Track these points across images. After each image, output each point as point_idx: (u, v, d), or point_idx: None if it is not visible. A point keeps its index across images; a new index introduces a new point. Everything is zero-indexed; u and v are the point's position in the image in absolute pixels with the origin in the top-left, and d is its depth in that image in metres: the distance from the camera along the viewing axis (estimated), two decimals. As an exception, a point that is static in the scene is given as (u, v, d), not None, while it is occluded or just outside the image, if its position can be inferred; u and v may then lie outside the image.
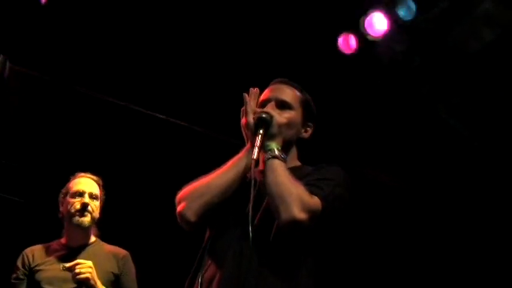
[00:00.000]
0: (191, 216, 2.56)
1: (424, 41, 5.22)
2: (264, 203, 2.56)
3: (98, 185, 4.29)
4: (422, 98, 5.42)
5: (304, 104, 2.86)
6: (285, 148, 2.69)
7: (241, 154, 2.66)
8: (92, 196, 4.23)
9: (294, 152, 2.82)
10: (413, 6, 5.14)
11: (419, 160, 6.08)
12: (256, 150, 2.53)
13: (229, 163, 2.65)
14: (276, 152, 2.56)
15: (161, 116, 5.60)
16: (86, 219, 4.19)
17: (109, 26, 5.05)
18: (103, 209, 4.32)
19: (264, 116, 2.62)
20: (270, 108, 2.72)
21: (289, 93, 2.83)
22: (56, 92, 5.25)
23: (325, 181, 2.61)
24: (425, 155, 5.97)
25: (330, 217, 2.57)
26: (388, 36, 5.26)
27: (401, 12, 5.18)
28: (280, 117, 2.68)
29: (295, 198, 2.43)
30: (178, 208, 2.61)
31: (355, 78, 5.62)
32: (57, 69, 5.10)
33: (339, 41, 5.44)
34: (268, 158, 2.55)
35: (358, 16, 5.30)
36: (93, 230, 4.32)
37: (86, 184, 4.24)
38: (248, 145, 2.65)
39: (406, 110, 5.63)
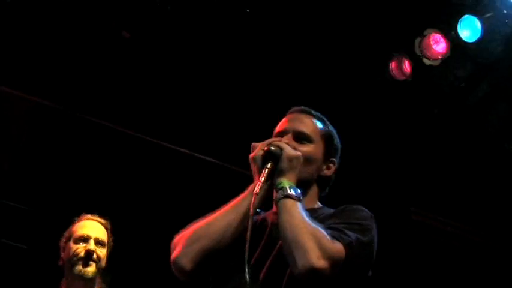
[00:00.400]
0: (186, 263, 2.39)
1: (491, 65, 4.87)
2: (277, 248, 2.40)
3: (106, 229, 3.97)
4: (488, 132, 5.12)
5: (326, 137, 2.66)
6: (302, 187, 2.47)
7: (245, 193, 2.46)
8: (99, 242, 3.90)
9: (313, 192, 2.61)
10: (478, 25, 4.78)
11: (481, 203, 5.75)
12: (259, 184, 2.35)
13: (231, 203, 2.46)
14: (289, 191, 2.36)
15: (183, 149, 5.31)
16: (90, 270, 3.83)
17: (117, 54, 4.95)
18: (110, 257, 3.95)
19: (272, 148, 2.42)
20: (286, 140, 2.53)
21: (308, 124, 2.64)
22: (60, 121, 5.06)
23: (350, 225, 2.40)
24: (488, 197, 5.73)
25: (355, 267, 2.36)
26: (448, 59, 4.93)
27: (464, 33, 4.84)
28: (294, 150, 2.48)
29: (314, 243, 2.24)
30: (173, 255, 2.44)
31: (409, 108, 5.34)
32: (65, 98, 4.98)
33: (390, 66, 5.09)
34: (280, 198, 2.36)
35: (412, 37, 5.00)
36: (98, 282, 3.92)
37: (92, 228, 3.93)
38: (253, 184, 2.44)
39: (467, 144, 5.39)
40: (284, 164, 2.42)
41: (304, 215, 2.33)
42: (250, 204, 2.35)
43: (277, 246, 2.39)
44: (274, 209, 2.45)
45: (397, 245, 5.55)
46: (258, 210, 2.53)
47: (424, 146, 5.60)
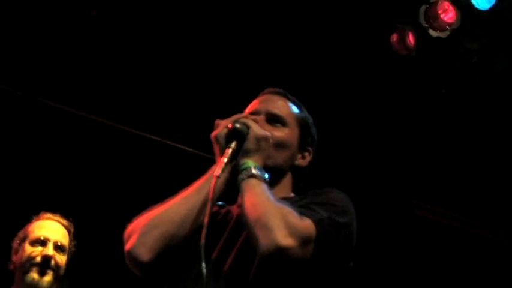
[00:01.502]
0: (144, 253, 2.31)
1: (507, 37, 4.73)
2: (242, 238, 2.33)
3: (68, 231, 3.75)
4: (503, 116, 5.00)
5: (302, 123, 2.59)
6: (273, 175, 2.41)
7: (206, 176, 2.37)
8: (58, 247, 3.67)
9: (286, 181, 2.53)
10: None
11: (491, 196, 5.64)
12: (221, 165, 2.29)
13: (191, 187, 2.37)
14: (253, 170, 2.30)
15: (151, 135, 5.15)
16: (46, 279, 3.57)
17: (81, 35, 4.80)
18: (70, 263, 3.71)
19: (238, 126, 2.35)
20: (257, 119, 2.45)
21: (283, 107, 2.57)
22: (19, 107, 4.89)
23: (322, 205, 2.31)
24: (498, 190, 5.61)
25: (328, 249, 2.26)
26: (457, 30, 4.74)
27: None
28: (264, 130, 2.40)
29: (279, 220, 2.18)
30: (127, 245, 2.33)
31: (412, 87, 5.10)
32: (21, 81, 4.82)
33: (391, 39, 4.89)
34: (243, 179, 2.30)
35: (416, 5, 4.81)
36: (54, 293, 3.68)
37: (52, 230, 3.72)
38: (215, 165, 2.36)
39: (479, 130, 5.24)
40: (250, 144, 2.34)
41: (268, 193, 2.26)
42: (210, 187, 2.28)
43: (243, 236, 2.33)
44: (239, 200, 2.37)
45: (398, 242, 5.51)
46: (220, 203, 2.49)
47: (429, 131, 5.39)
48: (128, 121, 5.11)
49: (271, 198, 2.25)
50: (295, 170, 2.55)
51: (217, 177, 2.26)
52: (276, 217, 2.19)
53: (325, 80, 5.05)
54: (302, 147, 2.57)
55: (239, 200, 2.36)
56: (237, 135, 2.35)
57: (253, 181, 2.30)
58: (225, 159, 2.30)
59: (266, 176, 2.32)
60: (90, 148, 5.09)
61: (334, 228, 2.28)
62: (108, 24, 4.83)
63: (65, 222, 3.77)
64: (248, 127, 2.36)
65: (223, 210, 2.49)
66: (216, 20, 4.88)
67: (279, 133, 2.49)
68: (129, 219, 2.36)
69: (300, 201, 2.36)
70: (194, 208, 2.32)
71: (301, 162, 2.55)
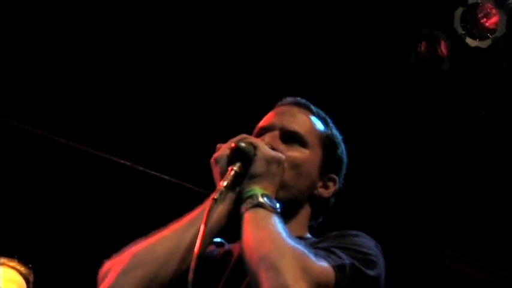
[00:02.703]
0: None
1: None
2: (244, 284, 2.12)
3: (26, 281, 3.54)
4: None
5: (327, 143, 2.37)
6: (286, 207, 2.18)
7: (202, 206, 2.13)
8: None
9: (302, 216, 2.32)
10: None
11: None
12: (220, 189, 2.07)
13: (184, 219, 2.15)
14: (261, 199, 2.08)
15: (124, 161, 4.89)
16: None
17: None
18: None
19: (242, 145, 2.15)
20: (270, 140, 2.26)
21: (304, 123, 2.36)
22: None
23: (346, 249, 2.10)
24: None
25: None
26: (501, 39, 4.33)
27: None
28: (277, 150, 2.20)
29: (291, 261, 1.96)
30: (102, 285, 2.13)
31: (444, 108, 4.73)
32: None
33: (420, 48, 4.53)
34: (247, 209, 2.07)
35: (451, 9, 4.40)
36: None
37: (5, 280, 3.53)
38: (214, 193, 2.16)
39: None
40: (258, 167, 2.16)
41: (280, 227, 2.07)
42: (212, 218, 2.10)
43: (246, 282, 2.15)
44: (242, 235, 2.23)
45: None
46: (219, 240, 2.28)
47: (465, 164, 4.99)
48: (93, 145, 4.88)
49: (284, 233, 2.07)
50: (314, 201, 2.37)
51: (215, 200, 2.07)
52: (286, 257, 2.01)
53: (338, 104, 4.53)
54: (325, 173, 2.37)
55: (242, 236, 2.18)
56: (242, 156, 2.17)
57: (260, 212, 2.11)
58: (225, 182, 2.10)
59: (277, 205, 2.14)
60: (53, 176, 4.85)
61: (358, 279, 2.13)
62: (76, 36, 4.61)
63: (22, 269, 3.57)
64: (255, 147, 2.18)
65: (222, 250, 2.32)
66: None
67: (296, 154, 2.31)
68: (104, 258, 2.21)
69: (318, 244, 2.20)
70: (184, 244, 2.14)
71: (322, 192, 2.35)
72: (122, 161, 4.84)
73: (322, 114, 2.46)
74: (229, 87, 4.76)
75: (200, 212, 2.14)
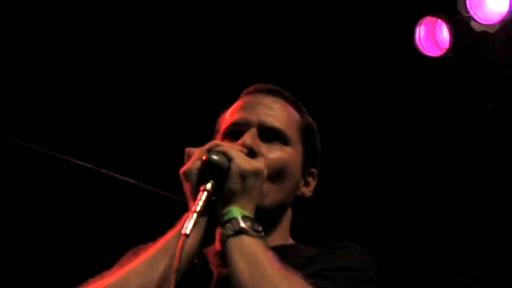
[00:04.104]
0: None
1: None
2: None
3: None
4: None
5: (306, 135, 2.28)
6: (270, 217, 2.13)
7: (174, 230, 2.00)
8: None
9: (285, 222, 2.24)
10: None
11: None
12: (191, 218, 1.91)
13: (155, 247, 2.02)
14: (242, 223, 1.95)
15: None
16: None
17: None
18: None
19: (214, 158, 1.98)
20: (251, 141, 2.12)
21: (283, 115, 2.23)
22: None
23: (344, 271, 2.02)
24: None
25: None
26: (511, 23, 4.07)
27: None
28: (251, 159, 2.06)
29: None
30: None
31: (446, 101, 4.51)
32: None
33: (418, 34, 4.24)
34: (229, 236, 1.95)
35: None
36: None
37: None
38: (187, 214, 2.00)
39: None
40: (233, 183, 1.99)
41: (271, 258, 1.94)
42: (176, 250, 1.93)
43: None
44: (218, 246, 2.07)
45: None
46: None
47: (469, 166, 4.80)
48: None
49: (277, 266, 1.98)
50: (297, 203, 2.29)
51: (187, 236, 1.94)
52: None
53: (334, 85, 4.50)
54: (306, 170, 2.29)
55: (217, 246, 2.08)
56: (215, 170, 2.03)
57: (244, 240, 2.00)
58: (198, 208, 1.97)
59: (260, 228, 2.03)
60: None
61: None
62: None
63: None
64: (229, 158, 2.03)
65: (198, 262, 2.17)
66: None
67: (279, 155, 2.19)
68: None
69: (310, 265, 2.11)
70: (156, 276, 2.03)
71: (304, 191, 2.29)
72: (80, 163, 4.63)
73: (295, 98, 2.33)
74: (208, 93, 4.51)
75: (171, 239, 2.03)
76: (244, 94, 2.32)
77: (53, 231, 4.76)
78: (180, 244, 1.92)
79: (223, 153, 2.03)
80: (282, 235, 2.25)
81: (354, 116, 4.53)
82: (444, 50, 4.23)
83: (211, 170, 2.02)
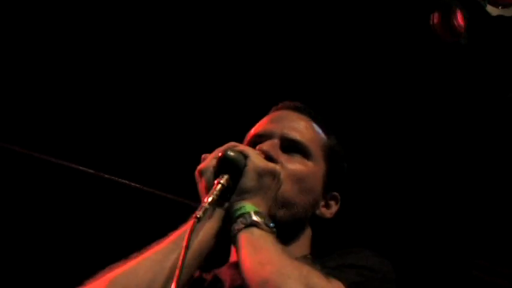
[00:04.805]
0: None
1: None
2: None
3: None
4: None
5: (330, 155, 2.31)
6: (288, 229, 2.15)
7: (186, 225, 2.03)
8: None
9: (304, 238, 2.25)
10: None
11: None
12: (204, 205, 1.95)
13: (170, 237, 2.06)
14: (254, 217, 1.98)
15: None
16: None
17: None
18: None
19: (230, 154, 2.04)
20: (269, 148, 2.18)
21: (307, 130, 2.29)
22: None
23: (355, 269, 2.06)
24: None
25: None
26: None
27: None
28: (276, 161, 2.14)
29: (297, 282, 1.88)
30: None
31: (463, 90, 4.31)
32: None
33: (432, 19, 3.99)
34: (240, 229, 1.98)
35: None
36: None
37: None
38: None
39: None
40: (248, 179, 2.04)
41: (279, 247, 1.97)
42: (199, 238, 1.99)
43: None
44: (233, 257, 2.16)
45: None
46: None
47: (491, 158, 4.60)
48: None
49: (284, 253, 1.99)
50: (315, 222, 2.31)
51: (198, 219, 1.96)
52: (293, 278, 1.94)
53: (344, 79, 4.36)
54: (328, 191, 2.31)
55: (231, 257, 2.18)
56: (230, 167, 2.07)
57: (255, 231, 2.03)
58: (210, 198, 1.99)
59: (272, 224, 2.05)
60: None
61: None
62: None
63: None
64: (245, 156, 2.08)
65: (209, 276, 2.23)
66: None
67: (299, 167, 2.23)
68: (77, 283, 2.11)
69: (325, 263, 2.13)
70: (168, 266, 2.04)
71: (324, 212, 2.30)
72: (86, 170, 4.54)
73: (322, 119, 2.37)
74: (219, 94, 4.51)
75: (184, 231, 2.05)
76: (272, 111, 2.37)
77: (60, 239, 4.69)
78: (191, 225, 1.92)
79: (240, 151, 2.07)
80: (299, 251, 2.24)
81: (368, 106, 4.38)
82: (459, 36, 3.96)
83: (227, 166, 2.05)
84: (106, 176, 4.58)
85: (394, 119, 4.53)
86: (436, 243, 5.00)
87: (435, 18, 4.03)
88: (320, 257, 2.28)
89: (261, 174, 2.08)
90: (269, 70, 4.39)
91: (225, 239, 2.11)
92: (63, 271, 4.20)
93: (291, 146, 2.27)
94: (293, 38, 4.36)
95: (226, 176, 2.04)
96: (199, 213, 1.96)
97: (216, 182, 2.03)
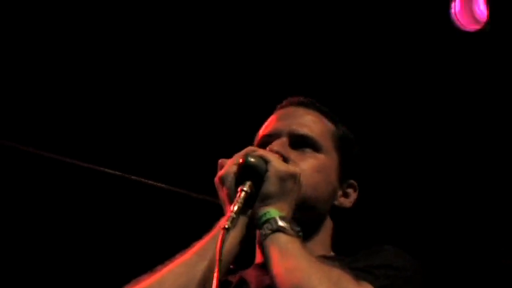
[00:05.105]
0: None
1: None
2: None
3: None
4: None
5: (342, 144, 2.30)
6: (307, 226, 2.11)
7: (211, 233, 2.05)
8: None
9: (324, 232, 2.26)
10: None
11: None
12: (231, 214, 1.94)
13: (192, 249, 2.05)
14: (280, 222, 1.98)
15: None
16: None
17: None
18: None
19: (251, 160, 2.03)
20: (279, 148, 2.17)
21: (314, 124, 2.29)
22: None
23: (383, 269, 2.03)
24: None
25: None
26: None
27: None
28: (289, 160, 2.14)
29: (327, 285, 1.90)
30: None
31: (485, 80, 4.19)
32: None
33: (453, 7, 4.03)
34: (267, 235, 1.98)
35: None
36: None
37: None
38: (224, 217, 2.04)
39: None
40: (271, 185, 2.02)
41: (307, 253, 1.97)
42: (216, 247, 1.95)
43: None
44: (258, 258, 2.18)
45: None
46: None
47: None
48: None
49: (313, 258, 2.00)
50: (335, 213, 2.30)
51: (226, 229, 1.96)
52: (324, 284, 1.94)
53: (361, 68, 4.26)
54: (344, 179, 2.31)
55: (257, 259, 2.21)
56: (252, 173, 2.06)
57: (282, 237, 2.02)
58: (236, 207, 1.99)
59: (298, 228, 2.05)
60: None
61: None
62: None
63: None
64: (266, 161, 2.07)
65: (235, 278, 2.22)
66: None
67: (312, 162, 2.24)
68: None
69: (351, 264, 2.12)
70: (194, 280, 2.04)
71: (343, 201, 2.30)
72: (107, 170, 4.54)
73: (330, 112, 2.37)
74: (228, 91, 4.45)
75: (209, 241, 2.06)
76: (277, 109, 2.36)
77: (87, 241, 4.69)
78: (220, 237, 1.93)
79: (260, 157, 2.06)
80: (321, 247, 2.25)
81: (388, 96, 4.30)
82: (482, 24, 4.00)
83: (249, 173, 2.04)
84: (133, 177, 4.58)
85: (421, 109, 4.42)
86: (464, 232, 4.95)
87: (456, 5, 4.03)
88: (344, 254, 2.28)
89: (283, 178, 2.07)
90: (283, 63, 4.31)
91: (249, 244, 2.13)
92: (96, 276, 4.22)
93: (300, 142, 2.27)
94: (305, 27, 4.28)
95: (248, 183, 2.04)
96: (227, 224, 1.96)
97: (239, 189, 2.03)
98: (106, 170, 4.58)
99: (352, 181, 2.33)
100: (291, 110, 2.35)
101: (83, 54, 4.40)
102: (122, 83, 4.49)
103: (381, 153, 4.32)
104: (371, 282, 2.01)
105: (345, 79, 4.21)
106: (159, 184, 4.69)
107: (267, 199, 2.05)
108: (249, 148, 2.13)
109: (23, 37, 4.25)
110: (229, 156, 2.14)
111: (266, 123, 2.35)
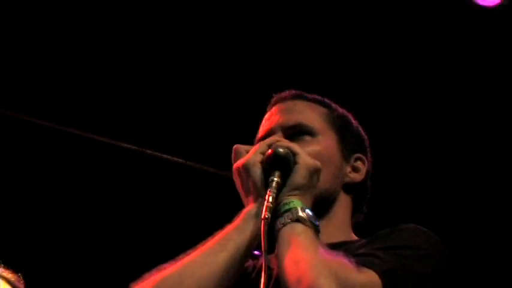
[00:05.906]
0: None
1: None
2: None
3: None
4: None
5: (337, 123, 2.31)
6: (320, 207, 2.16)
7: (236, 222, 2.08)
8: None
9: (342, 212, 2.27)
10: None
11: None
12: (267, 204, 1.97)
13: (216, 238, 2.08)
14: (301, 213, 2.01)
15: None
16: None
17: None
18: None
19: (281, 151, 2.05)
20: (270, 140, 2.18)
21: (303, 111, 2.32)
22: None
23: (393, 250, 2.03)
24: None
25: None
26: None
27: None
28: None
29: (327, 278, 1.91)
30: None
31: (505, 60, 4.08)
32: None
33: None
34: (284, 224, 2.01)
35: None
36: None
37: None
38: (249, 207, 2.09)
39: None
40: (301, 177, 2.06)
41: (316, 244, 1.99)
42: (247, 238, 2.02)
43: None
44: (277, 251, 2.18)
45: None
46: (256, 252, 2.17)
47: None
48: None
49: (319, 250, 2.01)
50: (350, 190, 2.29)
51: (266, 220, 1.98)
52: (323, 274, 1.95)
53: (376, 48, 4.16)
54: (349, 155, 2.30)
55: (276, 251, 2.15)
56: (281, 163, 2.09)
57: (298, 227, 2.04)
58: (271, 196, 2.01)
59: (317, 223, 2.06)
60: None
61: (411, 280, 2.05)
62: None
63: (11, 277, 3.06)
64: (294, 153, 2.09)
65: (259, 263, 2.23)
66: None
67: (311, 146, 2.23)
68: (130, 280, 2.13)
69: (363, 248, 2.13)
70: (216, 270, 2.07)
71: (354, 177, 2.29)
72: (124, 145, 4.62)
73: (321, 98, 2.38)
74: (240, 66, 4.41)
75: (232, 231, 2.09)
76: (269, 107, 2.38)
77: (102, 216, 4.76)
78: (262, 227, 1.96)
79: (288, 148, 2.08)
80: (340, 231, 2.26)
81: (404, 78, 4.21)
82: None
83: (278, 163, 2.06)
84: (149, 151, 4.63)
85: (441, 91, 4.32)
86: (488, 218, 4.82)
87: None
88: (364, 235, 2.28)
89: (312, 172, 2.10)
90: (289, 54, 4.27)
91: (271, 233, 2.12)
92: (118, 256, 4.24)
93: (295, 132, 2.28)
94: (311, 17, 4.21)
95: (278, 173, 2.05)
96: (266, 214, 1.98)
97: (271, 180, 2.05)
98: (122, 144, 4.61)
99: (358, 155, 2.32)
100: (279, 107, 2.38)
101: (100, 23, 4.38)
102: (139, 58, 4.52)
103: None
104: (378, 267, 2.01)
105: (357, 62, 4.14)
106: (174, 158, 4.69)
107: (294, 190, 2.08)
108: (274, 138, 2.16)
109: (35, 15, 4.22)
110: (239, 141, 2.17)
111: (260, 129, 2.37)
